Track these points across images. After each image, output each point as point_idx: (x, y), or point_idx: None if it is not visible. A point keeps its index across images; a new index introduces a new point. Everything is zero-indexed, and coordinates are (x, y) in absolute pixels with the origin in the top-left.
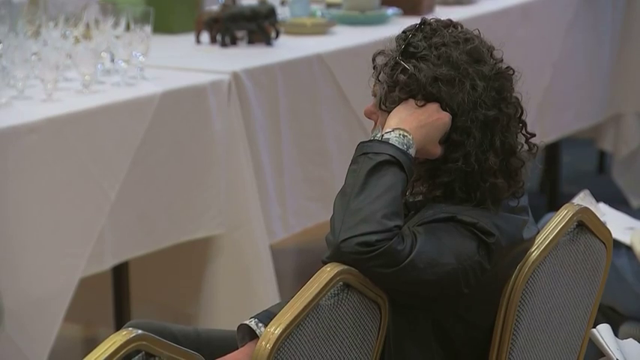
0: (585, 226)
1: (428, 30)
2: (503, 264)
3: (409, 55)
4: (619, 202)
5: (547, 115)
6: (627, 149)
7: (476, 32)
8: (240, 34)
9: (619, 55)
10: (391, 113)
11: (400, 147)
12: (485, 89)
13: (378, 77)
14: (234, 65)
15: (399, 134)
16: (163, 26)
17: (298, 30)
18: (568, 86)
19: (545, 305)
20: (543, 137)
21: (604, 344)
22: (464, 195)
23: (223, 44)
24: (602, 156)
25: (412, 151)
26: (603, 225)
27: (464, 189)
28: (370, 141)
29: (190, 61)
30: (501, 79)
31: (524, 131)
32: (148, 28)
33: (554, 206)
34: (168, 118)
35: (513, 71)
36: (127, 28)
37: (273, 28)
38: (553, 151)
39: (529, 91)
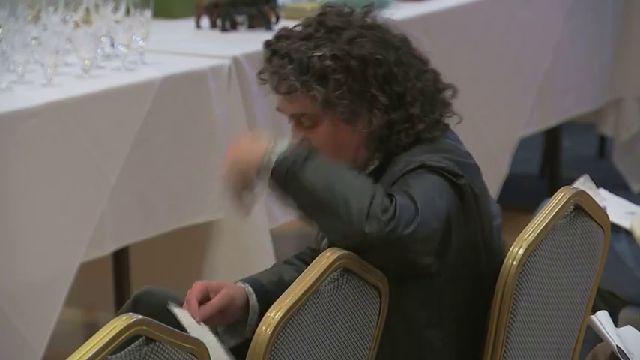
0: (582, 209)
1: (299, 32)
2: (477, 200)
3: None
4: (619, 187)
5: (547, 99)
6: (628, 134)
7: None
8: (240, 18)
9: (619, 40)
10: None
11: (287, 149)
12: (379, 44)
13: (303, 88)
14: (235, 50)
15: (278, 148)
16: (163, 11)
17: (298, 14)
18: (568, 70)
19: (542, 288)
20: (543, 122)
21: (603, 331)
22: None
23: (223, 29)
24: (603, 141)
25: (284, 143)
26: (600, 208)
27: (420, 125)
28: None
29: (190, 46)
30: (373, 29)
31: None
32: (148, 13)
33: (555, 191)
34: (169, 103)
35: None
36: (127, 12)
37: (273, 13)
38: (553, 135)
39: (529, 75)
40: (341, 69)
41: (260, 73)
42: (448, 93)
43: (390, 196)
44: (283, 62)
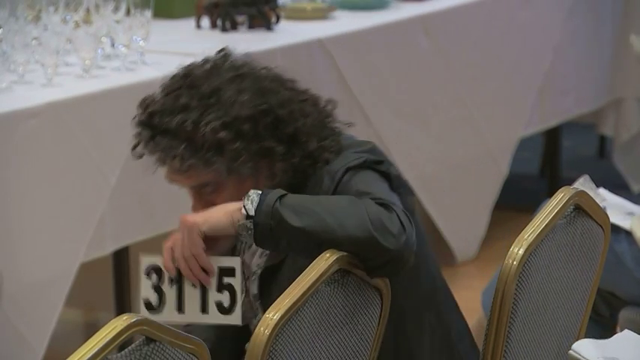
0: (582, 209)
1: (169, 101)
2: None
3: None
4: (619, 187)
5: (547, 99)
6: (628, 134)
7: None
8: (240, 18)
9: (619, 40)
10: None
11: (261, 200)
12: (251, 94)
13: (203, 164)
14: (235, 50)
15: (250, 201)
16: (163, 11)
17: (298, 15)
18: (568, 71)
19: (542, 288)
20: (543, 122)
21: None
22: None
23: (224, 29)
24: (603, 141)
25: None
26: (600, 208)
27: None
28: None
29: (191, 46)
30: (245, 78)
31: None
32: (148, 13)
33: (555, 191)
34: None
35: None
36: (127, 12)
37: (273, 13)
38: (553, 136)
39: (529, 75)
40: (235, 136)
41: (135, 147)
42: (329, 107)
43: (387, 206)
44: (173, 142)
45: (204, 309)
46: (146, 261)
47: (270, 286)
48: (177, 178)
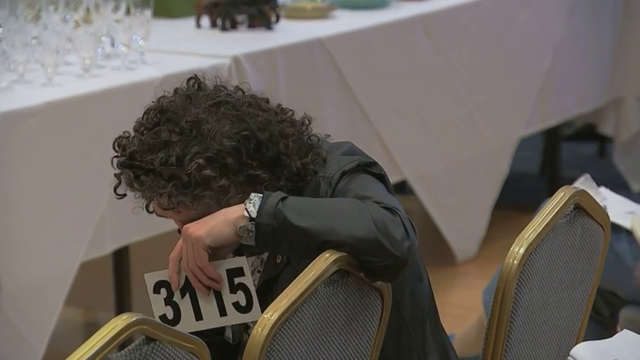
0: (582, 208)
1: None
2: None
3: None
4: (620, 186)
5: (548, 99)
6: (628, 133)
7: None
8: (240, 18)
9: (620, 40)
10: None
11: (261, 199)
12: (227, 120)
13: (193, 200)
14: (235, 49)
15: (252, 202)
16: (163, 10)
17: (298, 14)
18: (569, 70)
19: (542, 288)
20: (543, 121)
21: None
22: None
23: (224, 28)
24: (603, 140)
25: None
26: (600, 208)
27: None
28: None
29: (191, 46)
30: (222, 106)
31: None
32: (148, 12)
33: (555, 190)
34: None
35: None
36: (127, 12)
37: (273, 12)
38: (553, 135)
39: (530, 75)
40: (220, 171)
41: (117, 188)
42: (306, 121)
43: (392, 210)
44: (160, 182)
45: (222, 312)
46: (151, 278)
47: (267, 300)
48: (166, 213)
